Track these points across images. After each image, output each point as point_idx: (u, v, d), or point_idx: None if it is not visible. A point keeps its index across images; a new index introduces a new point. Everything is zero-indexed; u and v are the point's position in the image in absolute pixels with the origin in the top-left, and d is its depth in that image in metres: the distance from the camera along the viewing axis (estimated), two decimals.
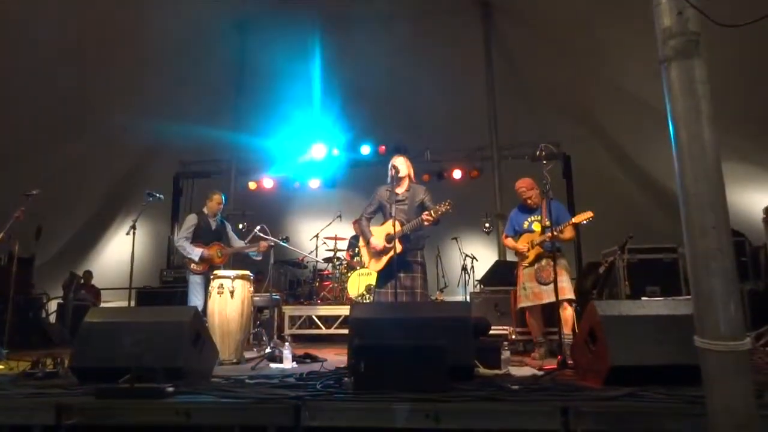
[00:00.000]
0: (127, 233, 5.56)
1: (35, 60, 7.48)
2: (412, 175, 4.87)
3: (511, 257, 7.29)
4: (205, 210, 5.78)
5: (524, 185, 5.01)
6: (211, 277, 5.19)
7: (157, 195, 5.80)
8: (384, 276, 4.67)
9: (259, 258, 5.84)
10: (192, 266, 5.46)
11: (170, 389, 2.82)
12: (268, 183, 11.08)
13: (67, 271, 9.36)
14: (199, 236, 5.60)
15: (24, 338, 7.36)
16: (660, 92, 2.29)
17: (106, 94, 8.78)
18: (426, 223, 4.38)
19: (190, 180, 11.33)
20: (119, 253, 10.19)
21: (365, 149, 10.54)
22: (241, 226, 9.05)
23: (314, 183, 11.08)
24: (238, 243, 5.93)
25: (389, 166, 4.78)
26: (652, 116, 7.10)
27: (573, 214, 4.86)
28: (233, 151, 10.88)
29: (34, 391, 3.00)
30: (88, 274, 9.89)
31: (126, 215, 10.95)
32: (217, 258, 5.62)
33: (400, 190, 4.74)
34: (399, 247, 4.42)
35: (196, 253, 5.47)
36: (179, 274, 8.10)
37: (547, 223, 4.57)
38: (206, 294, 5.34)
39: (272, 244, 5.64)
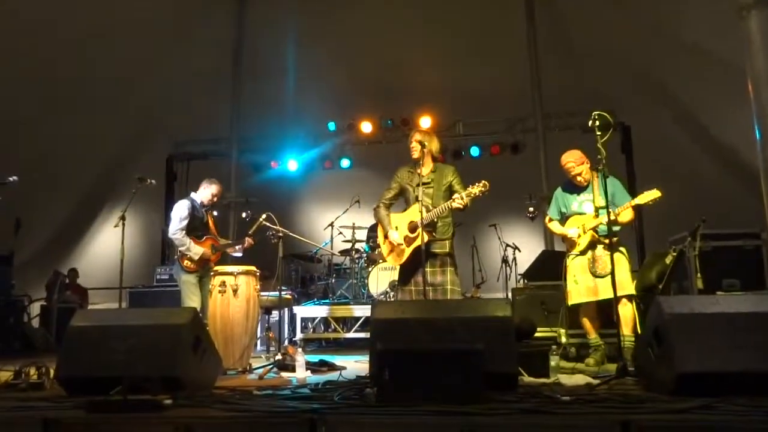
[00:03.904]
0: (116, 225, 5.64)
1: (12, 32, 7.61)
2: (437, 152, 4.84)
3: (560, 246, 7.19)
4: (196, 197, 5.73)
5: (572, 159, 4.93)
6: (212, 273, 5.24)
7: (149, 180, 5.86)
8: (408, 271, 4.69)
9: (240, 254, 5.87)
10: (185, 263, 5.44)
11: (168, 402, 2.88)
12: (274, 165, 11.16)
13: (51, 269, 9.59)
14: (193, 229, 5.57)
15: (4, 345, 7.59)
16: (738, 47, 2.22)
17: (90, 68, 8.90)
18: (457, 207, 4.37)
19: (185, 163, 11.47)
20: (107, 248, 10.40)
21: (389, 122, 10.53)
22: (244, 214, 9.15)
23: (328, 163, 11.12)
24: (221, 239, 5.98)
25: (410, 142, 4.78)
26: (728, 76, 6.90)
27: (633, 194, 4.78)
28: (234, 128, 10.95)
29: (18, 405, 3.08)
30: (74, 273, 10.12)
31: (114, 205, 11.15)
32: (212, 255, 5.64)
33: (425, 170, 4.73)
34: (425, 237, 4.41)
35: (197, 250, 5.45)
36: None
37: (602, 202, 4.50)
38: (203, 294, 5.40)
39: (279, 233, 5.67)
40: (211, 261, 5.60)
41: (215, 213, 6.03)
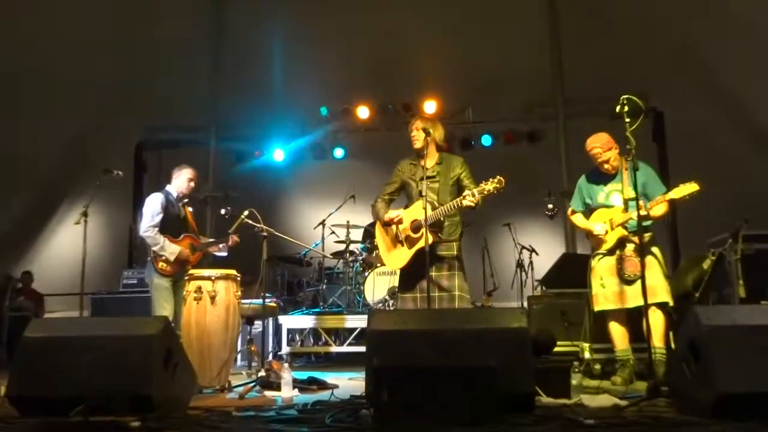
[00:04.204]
0: (77, 223, 5.64)
1: None
2: (441, 140, 4.85)
3: (583, 248, 7.20)
4: (171, 189, 5.76)
5: (598, 143, 4.91)
6: (186, 278, 5.24)
7: (115, 172, 5.86)
8: (409, 276, 4.69)
9: (225, 254, 5.89)
10: (160, 265, 5.47)
11: (135, 424, 2.88)
12: (258, 154, 11.14)
13: (1, 272, 9.56)
14: (168, 225, 5.59)
15: None
16: None
17: (49, 42, 8.87)
18: (467, 205, 4.36)
19: (157, 152, 11.45)
20: (67, 248, 10.36)
21: (389, 107, 10.51)
22: (223, 211, 9.10)
23: (319, 153, 11.10)
24: (201, 237, 6.00)
25: (411, 130, 4.79)
26: None
27: (667, 187, 4.78)
28: (213, 113, 10.92)
29: None
30: (28, 276, 10.09)
31: (75, 200, 11.09)
32: (192, 255, 5.65)
33: (429, 162, 4.74)
34: (429, 238, 4.41)
35: (172, 250, 5.47)
36: (144, 274, 8.22)
37: (632, 194, 4.50)
38: (176, 302, 5.40)
39: (263, 233, 5.67)
40: (190, 262, 5.62)
41: (190, 209, 6.04)
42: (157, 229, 5.46)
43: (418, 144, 4.75)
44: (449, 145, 4.94)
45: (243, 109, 10.96)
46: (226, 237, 5.75)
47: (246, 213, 5.66)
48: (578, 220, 5.12)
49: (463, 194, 4.39)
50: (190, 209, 6.00)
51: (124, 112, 11.05)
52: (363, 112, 10.65)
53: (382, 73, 10.48)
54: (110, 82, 10.25)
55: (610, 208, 4.88)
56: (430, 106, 10.20)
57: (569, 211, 5.31)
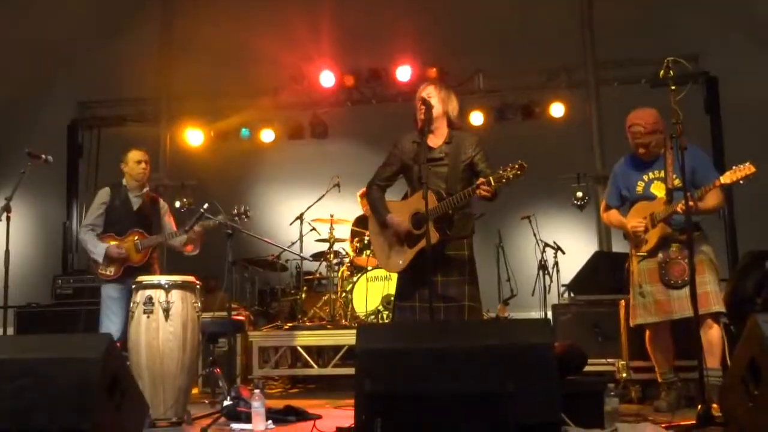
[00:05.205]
0: None
1: None
2: (455, 115, 4.83)
3: (619, 246, 7.23)
4: (124, 181, 5.88)
5: (641, 122, 4.89)
6: (134, 286, 5.24)
7: (43, 156, 5.85)
8: (409, 282, 4.69)
9: (195, 252, 5.91)
10: (100, 270, 5.56)
11: None
12: (220, 134, 11.11)
13: None
14: (113, 222, 5.68)
15: None
16: None
17: None
18: (481, 195, 4.36)
19: (96, 130, 11.41)
20: None
21: (380, 73, 10.50)
22: (178, 204, 9.09)
23: (296, 132, 11.07)
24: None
25: (417, 100, 4.75)
26: None
27: (721, 170, 4.79)
28: (164, 82, 10.88)
29: None
30: None
31: None
32: (135, 254, 5.68)
33: (436, 141, 4.73)
34: (434, 235, 4.42)
35: (99, 249, 5.57)
36: (83, 282, 8.21)
37: (678, 182, 4.50)
38: (128, 314, 5.41)
39: (227, 229, 5.66)
40: (134, 261, 5.65)
41: (164, 204, 6.14)
42: (89, 227, 5.60)
43: (424, 118, 4.66)
44: (459, 120, 4.87)
45: (200, 78, 10.91)
46: (183, 230, 5.76)
47: (206, 206, 5.66)
48: (613, 217, 5.12)
49: (477, 182, 4.37)
50: (165, 205, 6.13)
51: (54, 83, 11.01)
52: (348, 79, 10.62)
53: (370, 32, 10.45)
54: (38, 49, 10.19)
55: (651, 201, 4.88)
56: (428, 72, 10.18)
57: (602, 206, 5.31)
